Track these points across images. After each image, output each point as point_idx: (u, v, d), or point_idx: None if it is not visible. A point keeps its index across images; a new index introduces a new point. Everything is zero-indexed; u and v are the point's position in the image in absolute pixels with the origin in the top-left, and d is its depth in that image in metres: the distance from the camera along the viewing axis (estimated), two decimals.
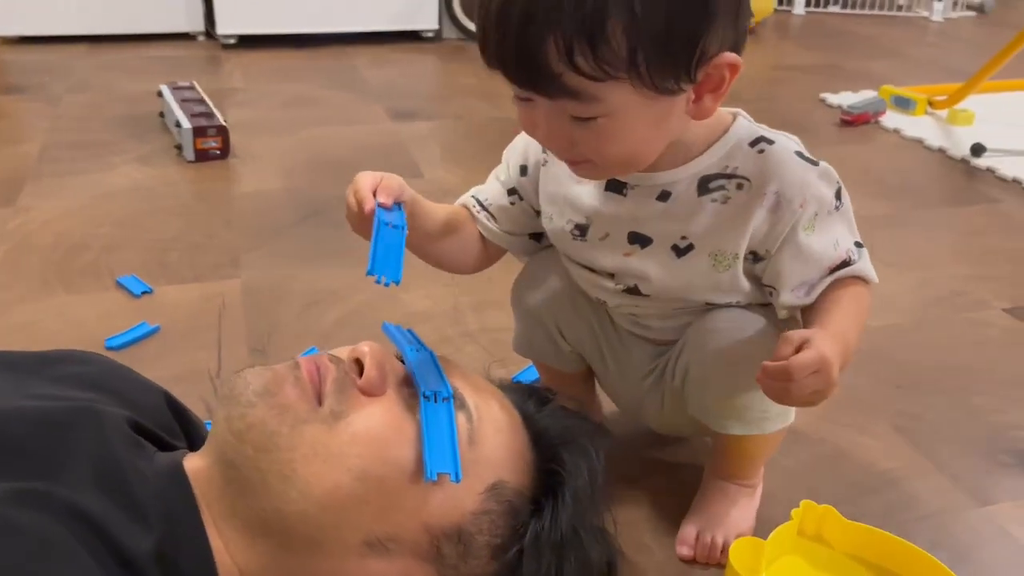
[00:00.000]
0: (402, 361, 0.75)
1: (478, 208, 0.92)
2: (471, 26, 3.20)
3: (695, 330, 0.85)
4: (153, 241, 1.58)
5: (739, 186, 0.78)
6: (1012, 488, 1.03)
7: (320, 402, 0.67)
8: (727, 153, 0.78)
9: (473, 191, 0.95)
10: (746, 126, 0.80)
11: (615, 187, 0.83)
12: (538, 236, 0.95)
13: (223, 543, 0.64)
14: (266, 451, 0.64)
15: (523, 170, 0.90)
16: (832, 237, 0.79)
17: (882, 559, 0.90)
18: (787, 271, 0.80)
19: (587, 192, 0.84)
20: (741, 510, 0.94)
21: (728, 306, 0.84)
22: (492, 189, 0.93)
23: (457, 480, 0.66)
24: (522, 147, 0.91)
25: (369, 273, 0.71)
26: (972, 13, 4.10)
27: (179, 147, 1.98)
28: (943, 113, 2.41)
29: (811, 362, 0.68)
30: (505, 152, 0.93)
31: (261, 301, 1.39)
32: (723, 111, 0.80)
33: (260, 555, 0.65)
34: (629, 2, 0.61)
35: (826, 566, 0.90)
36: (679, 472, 1.03)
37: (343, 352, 0.73)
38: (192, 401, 0.87)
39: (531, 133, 0.74)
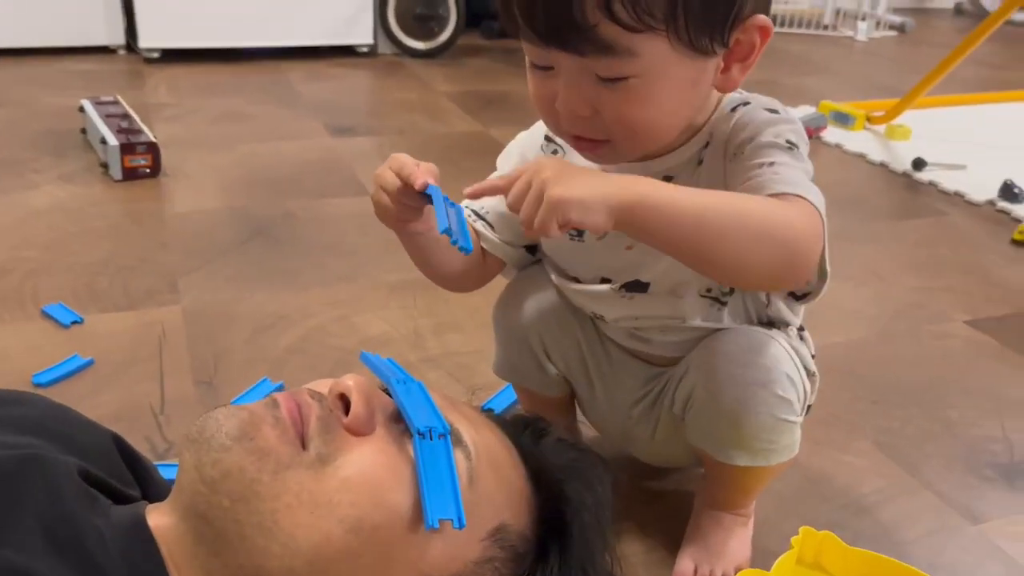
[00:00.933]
0: (388, 394, 0.68)
1: (474, 218, 0.86)
2: (407, 41, 3.14)
3: (701, 352, 0.80)
4: (81, 266, 1.47)
5: (706, 145, 0.75)
6: (999, 503, 1.01)
7: (304, 445, 0.59)
8: (713, 125, 0.75)
9: (465, 201, 0.89)
10: (734, 96, 0.76)
11: None
12: (532, 248, 0.89)
13: None
14: (245, 501, 0.56)
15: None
16: (765, 159, 0.69)
17: None
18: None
19: None
20: (738, 540, 0.89)
21: (733, 327, 0.79)
22: (488, 197, 0.86)
23: (461, 526, 0.59)
24: (518, 151, 0.86)
25: (444, 232, 0.65)
26: (893, 32, 4.23)
27: (105, 165, 1.86)
28: (881, 128, 2.45)
29: (515, 172, 0.64)
30: (499, 159, 0.88)
31: (204, 328, 1.29)
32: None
33: None
34: None
35: None
36: (667, 501, 0.98)
37: (323, 386, 0.65)
38: (135, 440, 0.78)
39: (545, 108, 0.69)
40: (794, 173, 0.68)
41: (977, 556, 0.93)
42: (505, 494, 0.65)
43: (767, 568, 0.84)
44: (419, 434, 0.62)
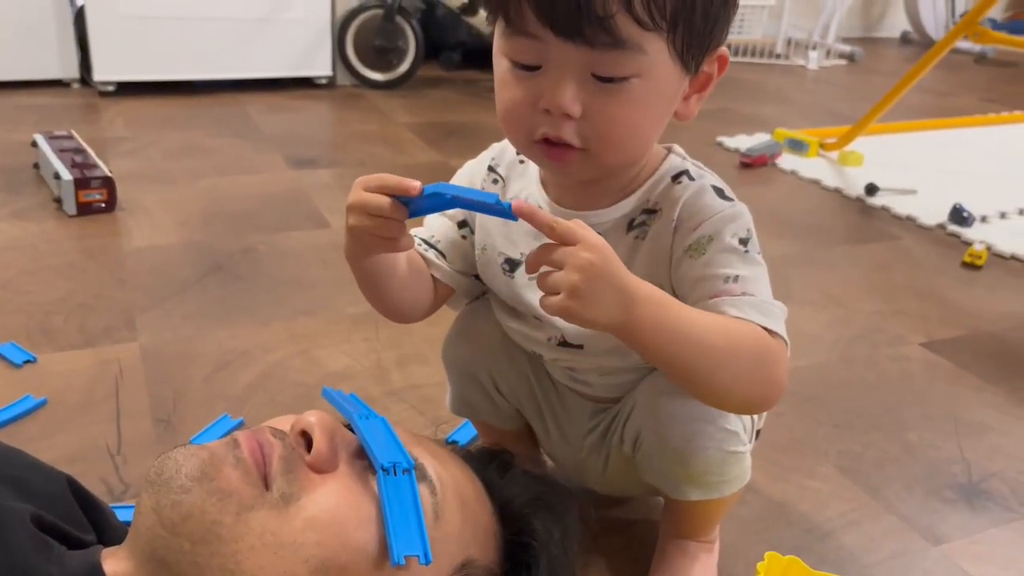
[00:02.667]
0: (351, 430, 0.67)
1: (425, 247, 0.85)
2: (366, 72, 3.15)
3: (644, 392, 0.80)
4: (34, 304, 1.44)
5: (652, 215, 0.75)
6: (960, 524, 1.03)
7: (267, 485, 0.59)
8: (649, 188, 0.75)
9: (412, 231, 0.88)
10: (676, 162, 0.77)
11: None
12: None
13: None
14: (206, 543, 0.55)
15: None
16: (727, 271, 0.71)
17: None
18: (681, 292, 0.73)
19: (521, 226, 0.78)
20: (702, 568, 0.89)
21: None
22: (439, 225, 0.86)
23: (427, 562, 0.59)
24: (467, 177, 0.86)
25: (497, 202, 0.64)
26: (843, 61, 4.34)
27: (59, 200, 1.83)
28: (834, 155, 2.51)
29: (568, 224, 0.62)
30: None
31: (163, 366, 1.27)
32: (658, 147, 0.78)
33: None
34: None
35: None
36: (633, 530, 0.98)
37: (285, 423, 0.65)
38: (91, 482, 0.77)
39: (521, 113, 0.67)
40: (762, 292, 0.71)
41: None
42: (471, 529, 0.65)
43: None
44: (383, 470, 0.61)
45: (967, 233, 1.97)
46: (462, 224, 0.86)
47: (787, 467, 1.10)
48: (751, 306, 0.69)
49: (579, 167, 0.70)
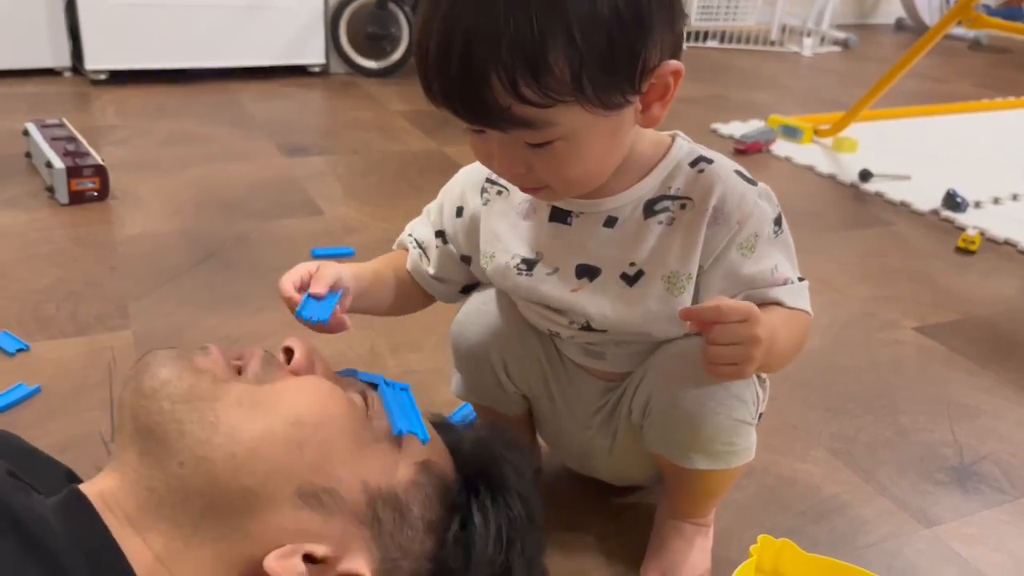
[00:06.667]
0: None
1: (414, 245, 0.90)
2: (359, 60, 3.14)
3: (658, 358, 0.81)
4: (27, 292, 1.43)
5: (682, 206, 0.76)
6: (952, 506, 1.03)
7: (240, 372, 0.66)
8: (669, 174, 0.77)
9: (409, 227, 0.92)
10: (686, 147, 0.79)
11: (560, 217, 0.80)
12: (466, 288, 0.92)
13: (141, 541, 0.58)
14: (184, 401, 0.60)
15: (459, 211, 0.88)
16: (770, 263, 0.78)
17: None
18: (716, 289, 0.78)
19: (534, 225, 0.81)
20: (698, 551, 0.90)
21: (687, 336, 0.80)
22: (422, 228, 0.91)
23: (425, 440, 0.69)
24: (459, 190, 0.88)
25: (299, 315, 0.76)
26: (838, 48, 4.34)
27: (51, 189, 1.82)
28: (828, 141, 2.51)
29: (742, 308, 0.68)
30: (442, 191, 0.90)
31: None
32: (662, 133, 0.79)
33: (183, 532, 0.58)
34: (567, 28, 0.60)
35: None
36: (629, 515, 0.98)
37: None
38: (85, 469, 0.76)
39: (486, 163, 0.72)
40: (791, 271, 0.80)
41: (932, 559, 0.95)
42: (434, 444, 0.73)
43: None
44: (384, 383, 0.74)
45: (961, 218, 1.97)
46: (438, 234, 0.89)
47: (780, 451, 1.11)
48: (790, 293, 0.79)
49: (554, 197, 0.76)
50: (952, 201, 2.02)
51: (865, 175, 2.20)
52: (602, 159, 0.70)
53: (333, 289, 0.77)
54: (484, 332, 0.88)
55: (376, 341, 1.33)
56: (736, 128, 2.61)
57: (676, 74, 0.67)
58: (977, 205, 2.05)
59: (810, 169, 2.32)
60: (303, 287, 0.78)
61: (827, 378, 1.30)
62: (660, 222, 0.77)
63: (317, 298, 0.75)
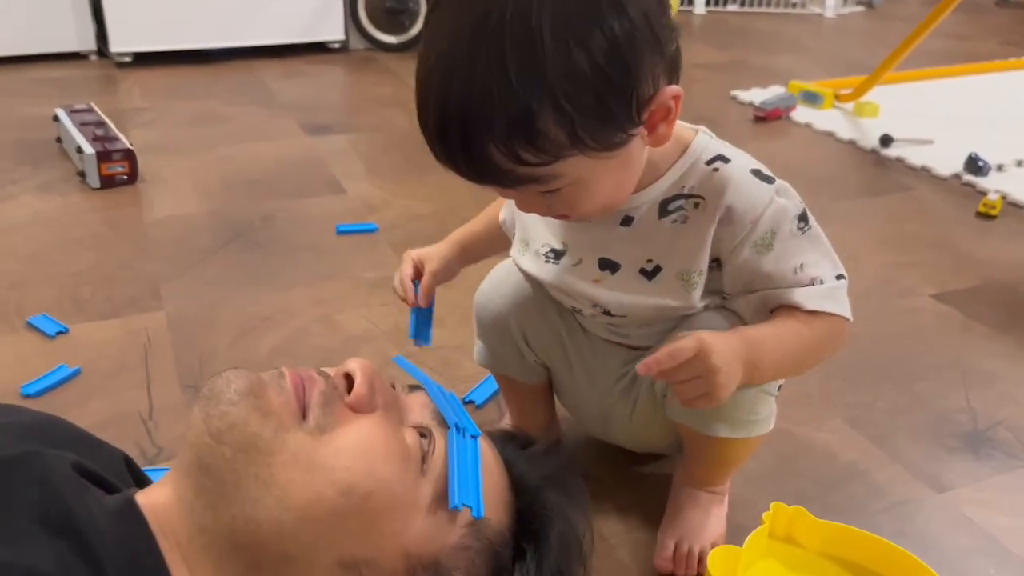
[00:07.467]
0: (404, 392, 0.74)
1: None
2: (379, 36, 3.15)
3: (682, 329, 0.83)
4: (64, 276, 1.48)
5: (695, 205, 0.78)
6: (964, 472, 1.05)
7: (304, 415, 0.63)
8: (684, 173, 0.78)
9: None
10: (705, 144, 0.79)
11: None
12: None
13: (187, 571, 0.60)
14: (245, 452, 0.60)
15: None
16: (794, 261, 0.78)
17: (853, 554, 0.90)
18: (733, 288, 0.80)
19: (560, 222, 0.84)
20: (714, 518, 0.93)
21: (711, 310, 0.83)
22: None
23: (479, 516, 0.65)
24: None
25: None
26: (861, 8, 4.27)
27: (82, 174, 1.87)
28: (849, 106, 2.49)
29: (688, 346, 0.69)
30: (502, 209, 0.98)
31: (189, 333, 1.32)
32: (684, 127, 0.79)
33: None
34: (551, 95, 0.61)
35: (799, 566, 0.90)
36: (647, 484, 1.02)
37: (331, 370, 0.70)
38: (126, 447, 0.81)
39: (506, 199, 0.78)
40: (825, 269, 0.79)
41: (943, 524, 0.97)
42: (490, 493, 0.68)
43: (740, 543, 0.88)
44: (456, 428, 0.68)
45: (982, 182, 1.96)
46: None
47: (796, 420, 1.13)
48: (820, 296, 0.78)
49: (581, 219, 0.78)
50: (974, 165, 2.01)
51: (886, 140, 2.19)
52: (617, 188, 0.73)
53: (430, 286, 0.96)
54: (506, 303, 0.92)
55: (399, 318, 1.36)
56: (756, 95, 2.60)
57: (676, 98, 0.67)
58: (1000, 168, 2.04)
59: (830, 135, 2.31)
60: (417, 276, 0.97)
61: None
62: (674, 221, 0.78)
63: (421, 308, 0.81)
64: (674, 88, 0.67)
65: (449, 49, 0.62)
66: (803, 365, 0.81)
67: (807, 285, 0.78)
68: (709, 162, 0.77)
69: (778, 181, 0.78)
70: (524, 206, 0.74)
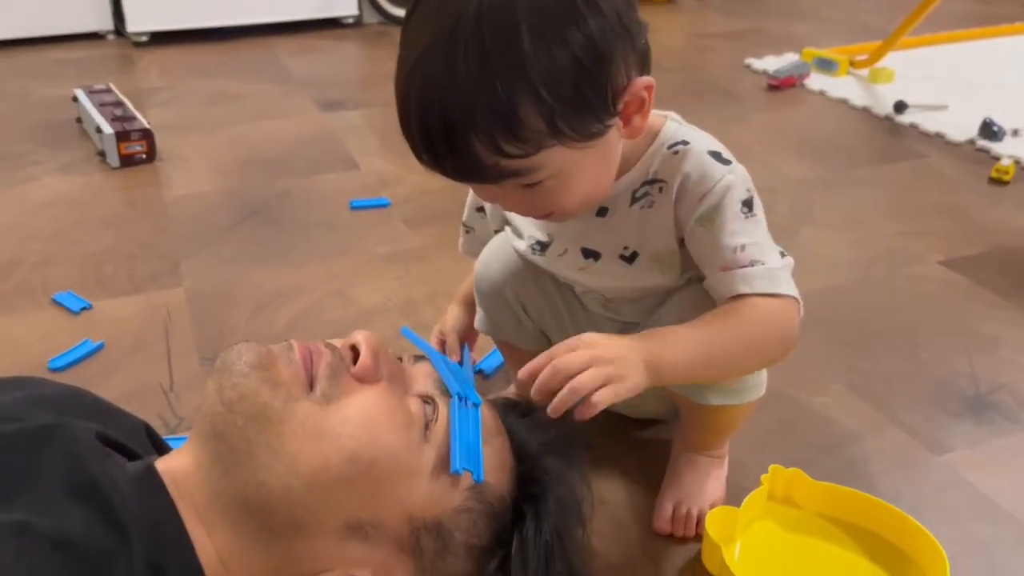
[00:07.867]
0: (409, 362, 0.76)
1: (463, 231, 1.06)
2: (392, 10, 3.15)
3: (671, 301, 0.86)
4: (86, 254, 1.53)
5: (660, 189, 0.81)
6: (964, 435, 1.07)
7: (312, 386, 0.66)
8: (651, 159, 0.81)
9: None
10: (672, 131, 0.81)
11: None
12: None
13: (206, 534, 0.63)
14: (256, 421, 0.63)
15: (481, 207, 0.99)
16: (735, 240, 0.78)
17: (850, 515, 0.93)
18: (696, 257, 0.82)
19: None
20: (713, 481, 0.95)
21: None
22: (466, 210, 1.04)
23: (479, 481, 0.68)
24: None
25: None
26: None
27: (102, 153, 1.91)
28: (864, 72, 2.47)
29: (567, 343, 0.70)
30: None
31: (207, 308, 1.36)
32: (655, 115, 0.82)
33: (243, 539, 0.63)
34: (531, 84, 0.64)
35: (797, 527, 0.93)
36: (647, 449, 1.04)
37: (338, 342, 0.73)
38: (148, 417, 0.84)
39: (492, 202, 0.80)
40: (767, 254, 0.78)
41: (941, 485, 0.99)
42: (491, 459, 0.72)
43: (739, 505, 0.90)
44: (459, 397, 0.71)
45: (996, 148, 1.95)
46: (479, 209, 1.01)
47: (796, 385, 1.15)
48: (759, 277, 0.78)
49: (568, 218, 0.79)
50: (989, 130, 2.00)
51: (900, 106, 2.18)
52: (597, 181, 0.75)
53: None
54: (504, 271, 0.95)
55: (412, 291, 1.39)
56: (770, 63, 2.58)
57: (648, 88, 0.70)
58: (1015, 133, 2.02)
59: (844, 102, 2.30)
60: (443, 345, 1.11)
61: (848, 314, 1.33)
62: (643, 207, 0.82)
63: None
64: (646, 79, 0.70)
65: (429, 48, 0.65)
66: (745, 359, 0.80)
67: (746, 266, 0.78)
68: (671, 146, 0.80)
69: (735, 164, 0.80)
70: (508, 205, 0.76)
